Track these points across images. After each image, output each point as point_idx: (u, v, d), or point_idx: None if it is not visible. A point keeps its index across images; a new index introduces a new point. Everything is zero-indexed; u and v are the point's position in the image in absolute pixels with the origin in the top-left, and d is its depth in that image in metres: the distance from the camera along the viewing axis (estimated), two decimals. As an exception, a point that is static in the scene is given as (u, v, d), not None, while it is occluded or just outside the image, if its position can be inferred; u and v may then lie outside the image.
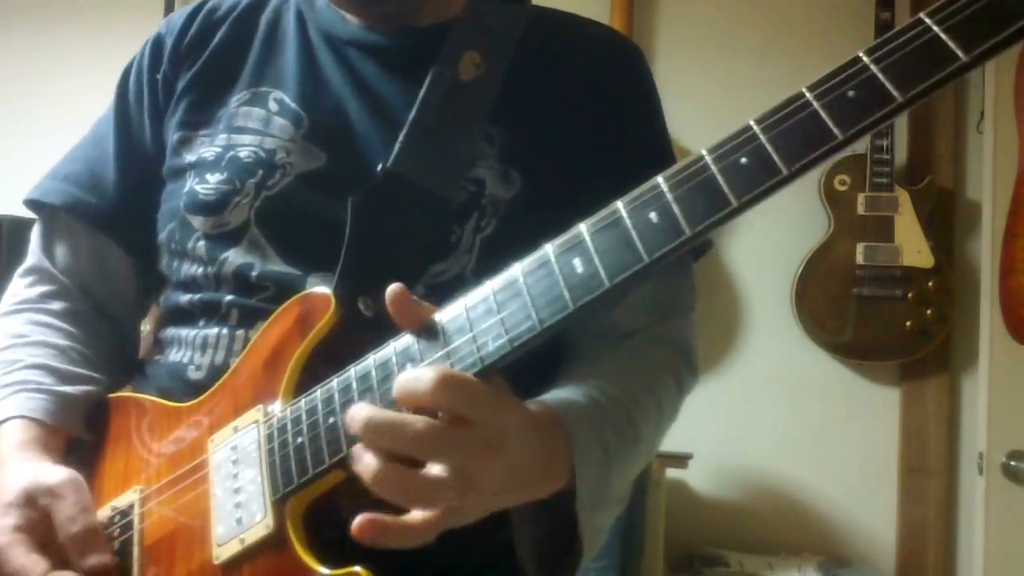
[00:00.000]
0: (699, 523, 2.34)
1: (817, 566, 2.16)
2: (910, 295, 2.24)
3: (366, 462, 0.62)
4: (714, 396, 2.33)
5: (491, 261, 0.83)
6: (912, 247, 2.25)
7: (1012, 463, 1.94)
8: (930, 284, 2.24)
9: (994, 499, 1.95)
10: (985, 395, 1.99)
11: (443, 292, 0.82)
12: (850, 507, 2.34)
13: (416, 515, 0.63)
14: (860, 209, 2.27)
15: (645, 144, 0.94)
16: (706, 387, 2.34)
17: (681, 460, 2.12)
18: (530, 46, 0.92)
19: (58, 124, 2.39)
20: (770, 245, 2.36)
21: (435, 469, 0.62)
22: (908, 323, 2.25)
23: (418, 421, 0.61)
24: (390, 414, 0.62)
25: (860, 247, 2.26)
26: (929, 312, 2.24)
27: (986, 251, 2.06)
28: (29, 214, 1.01)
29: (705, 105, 2.41)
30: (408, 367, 0.66)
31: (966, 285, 2.26)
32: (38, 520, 0.76)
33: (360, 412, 0.62)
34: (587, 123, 0.91)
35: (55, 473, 0.79)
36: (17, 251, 1.00)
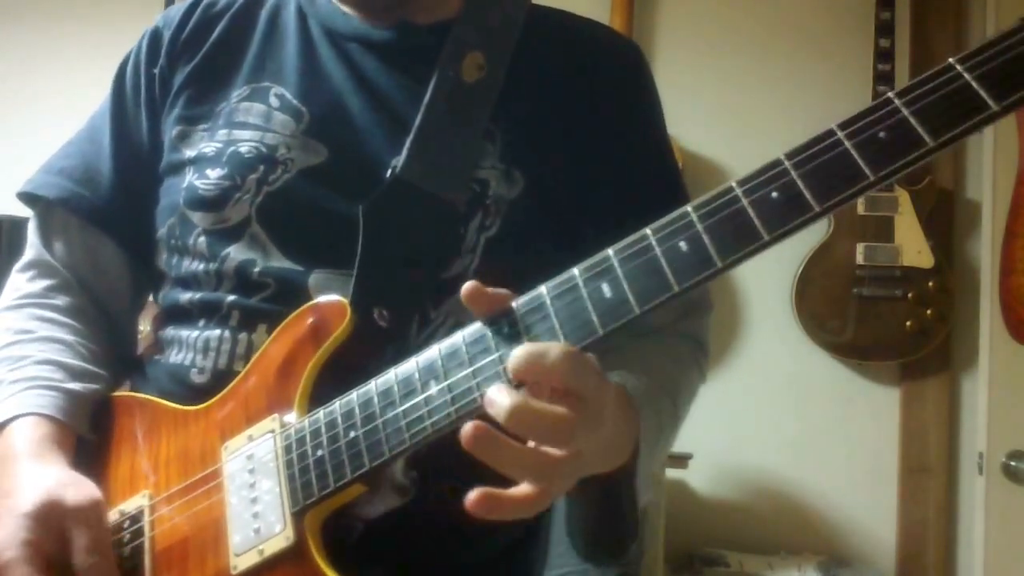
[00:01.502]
0: (699, 523, 2.34)
1: (817, 566, 2.16)
2: (910, 295, 2.24)
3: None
4: (714, 396, 2.32)
5: (494, 260, 0.83)
6: (912, 247, 2.25)
7: (1012, 463, 1.94)
8: (930, 284, 2.24)
9: (994, 499, 1.95)
10: (985, 395, 1.99)
11: (444, 291, 0.82)
12: (850, 507, 2.34)
13: (524, 487, 0.61)
14: (860, 209, 2.27)
15: (645, 144, 0.94)
16: (706, 387, 2.33)
17: (681, 460, 2.11)
18: (531, 46, 0.93)
19: (58, 124, 2.39)
20: (770, 245, 2.36)
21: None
22: (908, 323, 2.24)
23: (556, 408, 0.59)
24: (538, 403, 0.60)
25: (860, 247, 2.26)
26: (929, 312, 2.24)
27: (986, 251, 2.06)
28: (29, 214, 1.01)
29: (705, 104, 2.41)
30: (432, 384, 0.66)
31: (966, 285, 2.25)
32: (51, 536, 0.75)
33: (503, 399, 0.59)
34: (587, 123, 0.91)
35: (77, 492, 0.77)
36: (17, 251, 1.00)
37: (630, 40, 1.06)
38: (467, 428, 0.58)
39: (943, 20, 2.35)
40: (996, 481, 1.95)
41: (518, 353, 0.60)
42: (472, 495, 0.59)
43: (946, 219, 2.33)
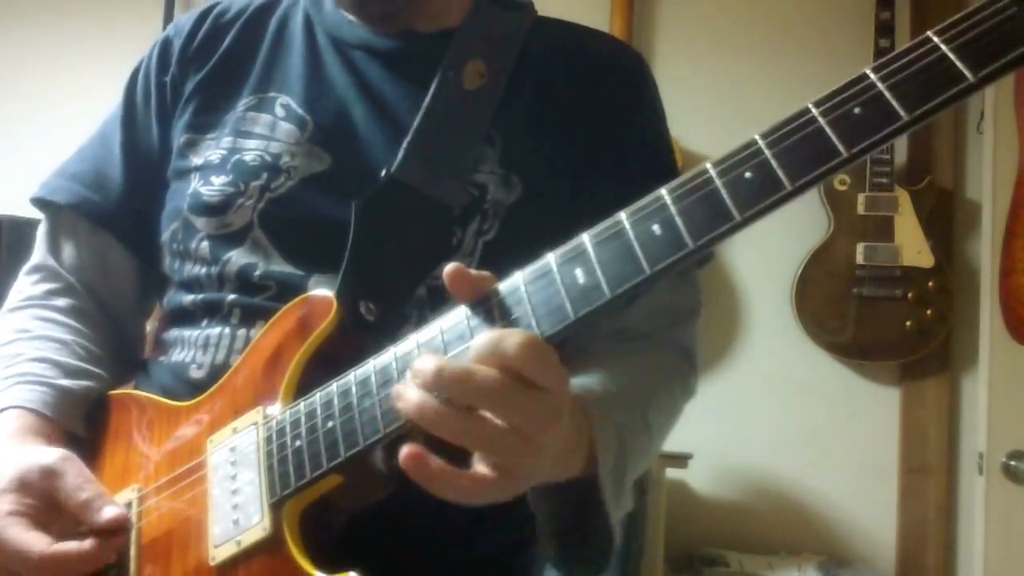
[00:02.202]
0: (699, 523, 2.34)
1: (817, 566, 2.16)
2: (910, 295, 2.24)
3: (414, 398, 0.59)
4: (714, 396, 2.33)
5: (492, 264, 0.84)
6: (912, 247, 2.25)
7: (1012, 463, 1.94)
8: (930, 284, 2.24)
9: (994, 499, 1.95)
10: (985, 395, 1.99)
11: (444, 293, 0.82)
12: (850, 507, 2.34)
13: (476, 470, 0.60)
14: (860, 209, 2.27)
15: (645, 152, 0.95)
16: (706, 387, 2.32)
17: (681, 460, 2.12)
18: (533, 55, 0.94)
19: (58, 125, 2.39)
20: (770, 245, 2.36)
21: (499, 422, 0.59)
22: (908, 323, 2.25)
23: (493, 373, 0.58)
24: (463, 363, 0.59)
25: (860, 247, 2.26)
26: (929, 312, 2.24)
27: (986, 251, 2.06)
28: (29, 214, 1.01)
29: (705, 105, 2.41)
30: (409, 374, 0.66)
31: (966, 285, 2.26)
32: (34, 504, 0.76)
33: (429, 362, 0.59)
34: (587, 131, 0.91)
35: (48, 453, 0.78)
36: (17, 251, 1.01)
37: (633, 50, 1.06)
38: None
39: (943, 20, 2.34)
40: (996, 481, 1.95)
41: (476, 340, 0.60)
42: (404, 449, 0.58)
43: (946, 219, 2.34)
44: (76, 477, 0.76)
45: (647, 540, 2.05)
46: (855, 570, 2.21)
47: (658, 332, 0.90)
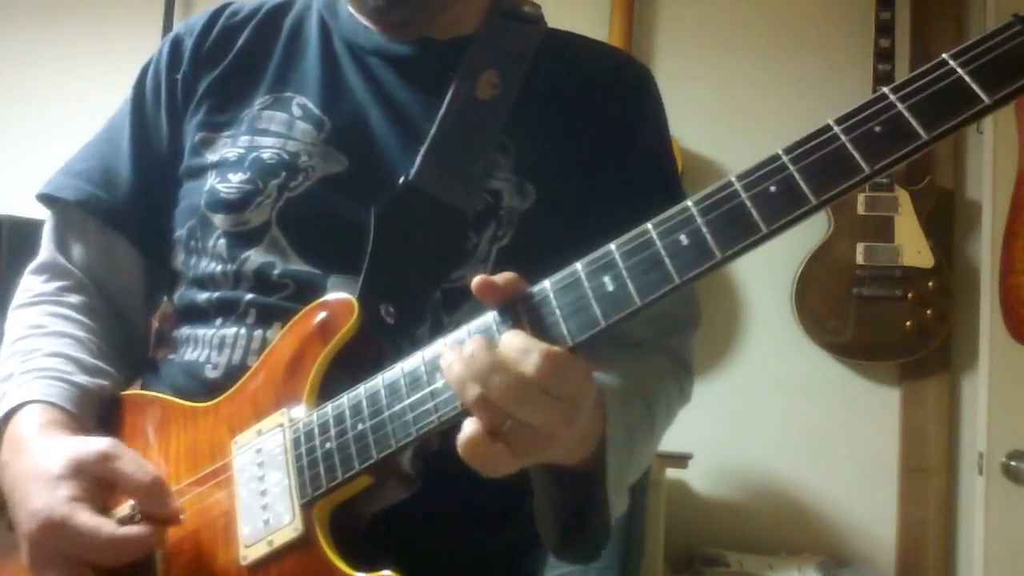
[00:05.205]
0: (699, 523, 2.34)
1: (817, 566, 2.16)
2: (910, 295, 2.24)
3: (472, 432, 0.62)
4: (714, 396, 2.33)
5: (506, 270, 0.85)
6: (912, 247, 2.25)
7: (1012, 463, 1.94)
8: (930, 284, 2.24)
9: (994, 499, 1.96)
10: (985, 395, 2.00)
11: (459, 297, 0.84)
12: (850, 507, 2.34)
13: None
14: (860, 209, 2.27)
15: (648, 163, 0.96)
16: (706, 387, 2.33)
17: (681, 460, 2.12)
18: (543, 67, 0.95)
19: (58, 125, 2.39)
20: (770, 245, 2.35)
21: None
22: (908, 323, 2.25)
23: (514, 382, 0.61)
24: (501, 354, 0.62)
25: (860, 247, 2.26)
26: (929, 312, 2.24)
27: (986, 251, 2.06)
28: (29, 214, 1.01)
29: (705, 105, 2.41)
30: (437, 377, 0.67)
31: (966, 285, 2.26)
32: (91, 488, 0.76)
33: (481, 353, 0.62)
34: (594, 141, 0.93)
35: (98, 440, 0.79)
36: (17, 251, 1.00)
37: (639, 63, 1.08)
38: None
39: (943, 20, 2.35)
40: (996, 481, 1.95)
41: (500, 346, 0.63)
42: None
43: (946, 219, 2.34)
44: (133, 460, 0.78)
45: (647, 540, 2.05)
46: (855, 570, 2.21)
47: (654, 340, 0.91)
